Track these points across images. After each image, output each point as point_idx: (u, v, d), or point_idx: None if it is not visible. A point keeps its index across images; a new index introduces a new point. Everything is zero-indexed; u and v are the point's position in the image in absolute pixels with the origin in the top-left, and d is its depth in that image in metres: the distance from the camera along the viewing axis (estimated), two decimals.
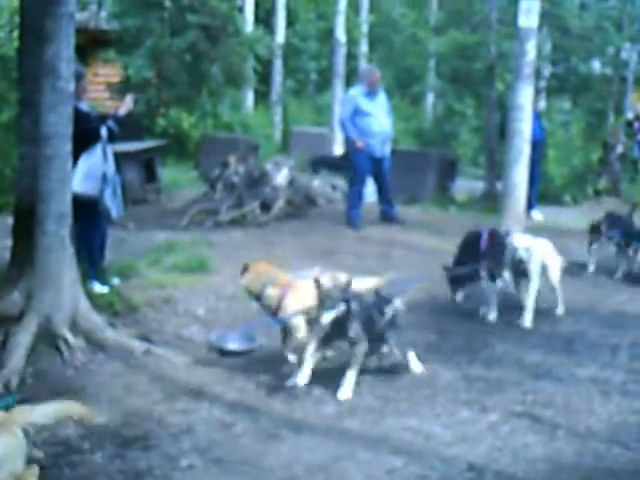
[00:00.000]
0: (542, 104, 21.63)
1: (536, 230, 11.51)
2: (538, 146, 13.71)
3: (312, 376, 6.56)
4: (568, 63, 23.46)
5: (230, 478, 5.25)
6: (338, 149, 20.92)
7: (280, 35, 25.58)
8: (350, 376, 6.50)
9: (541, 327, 8.55)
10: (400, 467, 5.38)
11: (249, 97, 25.02)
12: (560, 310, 8.94)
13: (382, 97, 13.20)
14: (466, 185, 17.27)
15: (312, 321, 6.76)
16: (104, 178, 8.66)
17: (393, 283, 7.76)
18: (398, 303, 7.03)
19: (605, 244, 10.84)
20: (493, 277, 8.65)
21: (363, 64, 25.10)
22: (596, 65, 24.97)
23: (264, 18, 26.81)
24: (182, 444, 5.64)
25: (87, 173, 8.47)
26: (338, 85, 23.67)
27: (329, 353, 6.96)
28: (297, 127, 23.16)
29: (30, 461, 4.58)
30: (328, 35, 26.44)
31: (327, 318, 6.33)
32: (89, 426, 5.65)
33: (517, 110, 11.36)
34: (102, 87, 20.45)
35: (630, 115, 21.75)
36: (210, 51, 19.78)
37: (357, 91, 13.09)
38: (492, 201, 14.74)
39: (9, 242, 7.96)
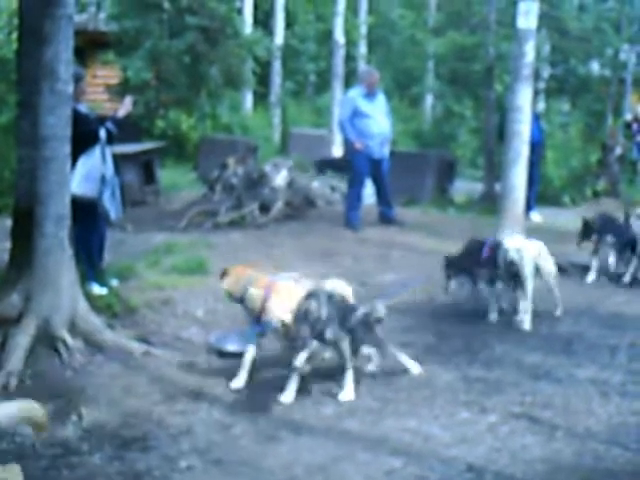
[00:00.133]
0: (541, 105, 21.66)
1: (535, 231, 11.52)
2: (537, 147, 13.70)
3: (311, 377, 6.58)
4: (567, 64, 23.44)
5: (229, 479, 5.25)
6: (338, 150, 20.92)
7: (279, 37, 25.60)
8: (348, 376, 6.51)
9: (540, 328, 8.54)
10: (399, 468, 5.39)
11: (248, 99, 25.03)
12: (558, 311, 8.93)
13: (381, 98, 13.20)
14: (465, 186, 17.27)
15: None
16: (103, 180, 8.67)
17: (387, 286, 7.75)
18: (380, 307, 6.93)
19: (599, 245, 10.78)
20: (492, 281, 8.68)
21: (362, 65, 25.13)
22: (595, 66, 24.96)
23: (263, 20, 26.84)
24: (181, 445, 5.64)
25: (86, 175, 8.47)
26: (337, 86, 23.68)
27: (327, 354, 6.96)
28: (296, 129, 23.15)
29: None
30: (327, 37, 26.46)
31: (299, 361, 6.30)
32: (88, 427, 5.67)
33: (516, 111, 11.34)
34: (101, 89, 20.48)
35: (629, 116, 21.75)
36: (209, 53, 19.78)
37: (356, 92, 13.09)
38: (491, 202, 14.73)
39: (8, 244, 7.97)
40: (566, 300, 9.11)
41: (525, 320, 8.54)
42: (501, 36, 17.29)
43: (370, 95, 12.91)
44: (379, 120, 12.91)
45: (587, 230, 10.68)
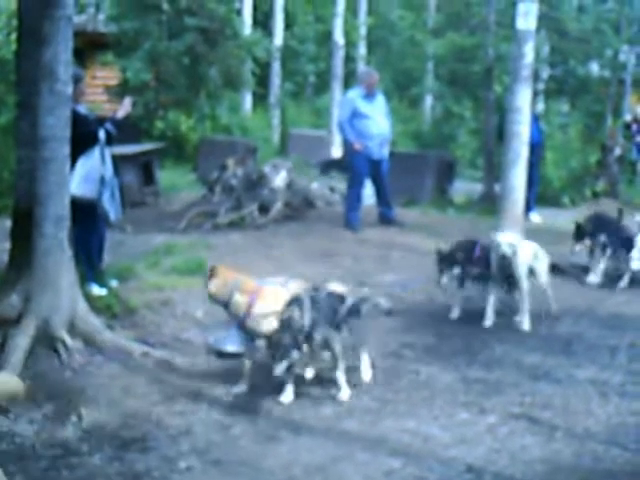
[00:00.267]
0: (540, 106, 21.64)
1: (534, 232, 11.53)
2: (536, 148, 13.71)
3: (310, 378, 6.59)
4: (566, 65, 23.41)
5: (228, 479, 5.27)
6: (337, 151, 20.92)
7: (278, 38, 25.60)
8: (341, 376, 6.51)
9: (539, 329, 8.55)
10: (398, 468, 5.39)
11: (247, 100, 25.02)
12: (554, 308, 8.89)
13: (380, 99, 13.20)
14: (464, 187, 17.27)
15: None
16: (102, 181, 8.67)
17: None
18: (383, 300, 7.00)
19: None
20: (484, 281, 8.69)
21: (361, 66, 25.11)
22: (594, 67, 24.93)
23: (262, 21, 26.84)
24: (180, 446, 5.65)
25: (85, 176, 8.47)
26: (336, 87, 23.69)
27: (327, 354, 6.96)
28: (295, 130, 23.16)
29: None
30: (326, 38, 26.48)
31: (280, 369, 6.23)
32: (87, 428, 5.67)
33: (515, 112, 11.34)
34: (100, 90, 20.47)
35: (628, 117, 21.75)
36: (208, 54, 19.77)
37: (355, 93, 13.09)
38: (490, 203, 14.73)
39: (7, 245, 7.97)
40: (565, 301, 9.12)
41: (524, 321, 8.54)
42: (500, 37, 17.28)
43: (369, 96, 12.91)
44: (378, 121, 12.91)
45: (580, 233, 10.63)
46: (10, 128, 11.63)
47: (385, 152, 13.15)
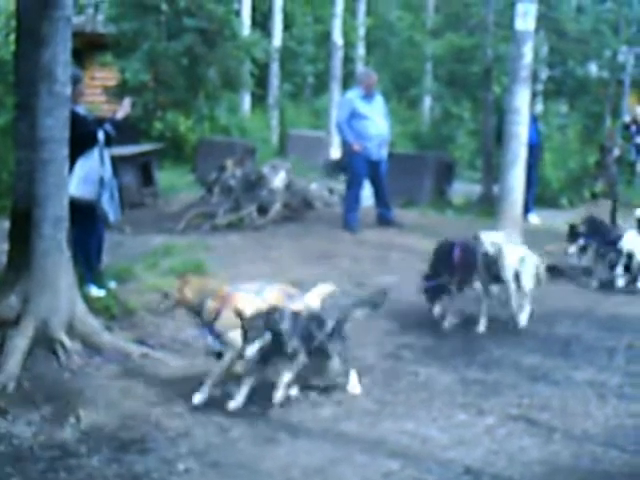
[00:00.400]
0: (539, 107, 21.65)
1: (533, 233, 11.56)
2: (535, 149, 13.73)
3: (308, 379, 6.58)
4: (565, 66, 23.46)
5: None
6: (336, 152, 20.92)
7: (277, 38, 25.58)
8: (284, 378, 6.25)
9: (538, 330, 8.55)
10: (397, 470, 5.39)
11: (246, 100, 25.00)
12: (523, 322, 8.61)
13: (379, 100, 13.20)
14: (463, 188, 17.27)
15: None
16: (101, 182, 8.67)
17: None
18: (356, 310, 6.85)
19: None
20: (469, 284, 8.66)
21: (360, 67, 25.10)
22: (593, 68, 24.97)
23: (261, 21, 26.82)
24: (179, 448, 5.64)
25: (84, 177, 8.48)
26: (335, 88, 23.68)
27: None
28: (294, 130, 23.15)
29: None
30: (325, 38, 26.46)
31: (251, 350, 6.09)
32: (86, 429, 5.67)
33: (514, 113, 11.36)
34: (99, 91, 20.43)
35: (627, 118, 21.75)
36: (207, 55, 19.77)
37: (354, 94, 13.10)
38: (489, 204, 14.74)
39: (6, 246, 7.95)
40: (564, 302, 9.13)
41: (521, 318, 8.53)
42: (499, 38, 17.29)
43: (368, 97, 12.92)
44: (377, 122, 12.92)
45: (573, 234, 10.61)
46: (9, 129, 11.61)
47: (384, 153, 13.16)
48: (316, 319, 6.57)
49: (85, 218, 8.46)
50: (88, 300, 7.77)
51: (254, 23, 25.42)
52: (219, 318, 6.52)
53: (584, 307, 9.52)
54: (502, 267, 8.46)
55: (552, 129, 19.64)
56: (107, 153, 8.87)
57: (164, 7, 19.80)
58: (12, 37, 13.66)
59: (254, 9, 25.86)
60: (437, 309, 8.70)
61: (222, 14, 19.99)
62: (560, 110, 23.41)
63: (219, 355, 7.25)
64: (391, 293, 9.36)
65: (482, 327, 8.51)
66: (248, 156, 15.48)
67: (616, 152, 18.54)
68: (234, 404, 6.26)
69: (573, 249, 10.59)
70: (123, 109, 9.05)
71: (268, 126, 24.45)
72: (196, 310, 6.64)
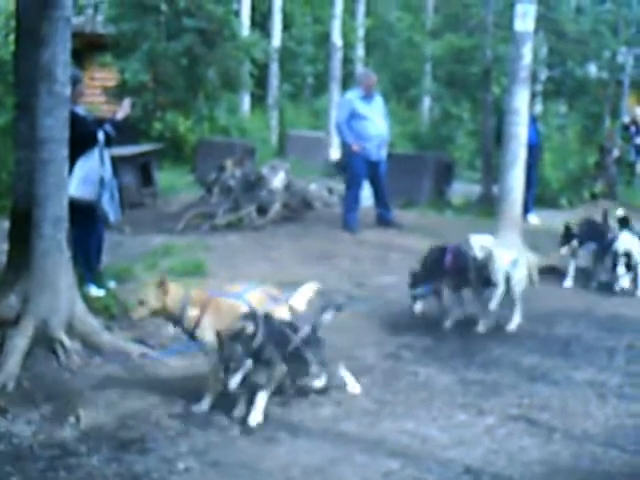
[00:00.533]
0: (538, 108, 21.64)
1: (532, 234, 11.56)
2: (534, 150, 13.72)
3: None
4: (564, 67, 23.45)
5: None
6: (335, 153, 20.92)
7: (276, 39, 25.58)
8: (260, 400, 6.07)
9: (538, 330, 8.55)
10: (397, 470, 5.39)
11: (245, 101, 25.00)
12: (511, 327, 8.62)
13: (378, 101, 13.20)
14: (463, 189, 17.26)
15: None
16: (102, 182, 8.67)
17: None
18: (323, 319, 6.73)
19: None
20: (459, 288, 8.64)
21: (359, 68, 25.09)
22: (592, 69, 24.96)
23: (260, 22, 26.82)
24: (179, 447, 5.64)
25: (84, 178, 8.48)
26: (334, 89, 23.69)
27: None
28: (293, 131, 23.16)
29: None
30: (324, 39, 26.46)
31: (234, 382, 5.93)
32: (86, 429, 5.67)
33: (513, 114, 11.36)
34: (98, 91, 20.42)
35: (626, 119, 21.75)
36: (206, 55, 19.76)
37: (353, 95, 13.10)
38: (488, 205, 14.73)
39: (5, 246, 7.95)
40: (563, 302, 9.12)
41: (514, 322, 8.52)
42: (498, 38, 17.29)
43: (367, 97, 12.92)
44: (376, 122, 12.92)
45: (568, 235, 10.56)
46: (8, 129, 11.61)
47: (383, 153, 13.16)
48: (290, 325, 6.49)
49: (85, 218, 8.46)
50: (88, 300, 7.78)
51: (253, 23, 25.42)
52: (200, 325, 6.40)
53: (584, 307, 9.52)
54: (492, 271, 8.42)
55: (551, 129, 19.64)
56: (107, 153, 8.87)
57: (164, 7, 19.79)
58: (12, 37, 13.66)
59: (253, 9, 25.86)
60: (418, 307, 8.66)
61: (221, 14, 19.99)
62: (559, 111, 23.42)
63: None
64: (390, 293, 9.53)
65: (482, 327, 8.50)
66: (247, 156, 15.49)
67: (615, 153, 18.54)
68: (255, 419, 6.03)
69: (565, 250, 10.56)
70: (123, 110, 9.06)
71: (267, 126, 24.46)
72: (176, 319, 6.49)
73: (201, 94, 20.45)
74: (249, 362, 5.97)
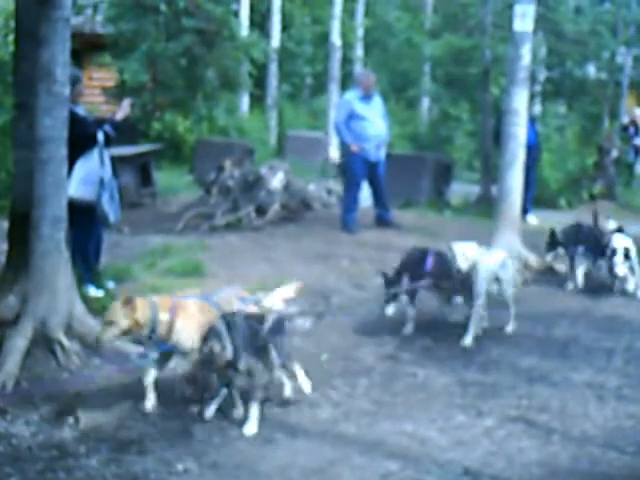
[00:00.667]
0: (537, 108, 21.68)
1: (531, 234, 11.56)
2: (533, 150, 13.73)
3: (307, 381, 6.58)
4: (563, 67, 23.52)
5: None
6: (334, 153, 20.92)
7: (275, 39, 25.57)
8: (253, 410, 5.97)
9: (536, 332, 8.55)
10: (395, 471, 5.39)
11: (244, 101, 25.00)
12: (509, 328, 8.53)
13: (377, 101, 13.21)
14: (461, 189, 17.28)
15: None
16: (101, 183, 8.66)
17: None
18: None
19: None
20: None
21: (358, 68, 25.11)
22: (591, 69, 25.02)
23: (259, 22, 26.82)
24: (178, 448, 5.64)
25: (84, 178, 8.47)
26: (333, 89, 23.70)
27: (324, 357, 6.92)
28: (292, 131, 23.16)
29: None
30: (323, 39, 26.47)
31: (209, 413, 6.00)
32: (84, 430, 5.66)
33: (512, 114, 11.36)
34: (97, 91, 20.42)
35: (625, 119, 21.78)
36: (205, 55, 19.76)
37: (352, 95, 13.10)
38: (487, 205, 14.74)
39: (4, 246, 7.95)
40: (562, 303, 9.12)
41: (511, 325, 8.50)
42: (497, 39, 17.30)
43: (366, 98, 12.92)
44: (375, 123, 12.92)
45: (552, 242, 10.45)
46: (7, 129, 11.60)
47: (382, 154, 13.16)
48: (255, 318, 6.31)
49: (84, 219, 8.45)
50: (86, 300, 7.76)
51: (252, 24, 25.42)
52: (174, 330, 6.27)
53: (582, 308, 9.52)
54: (475, 282, 8.19)
55: (550, 130, 19.68)
56: (107, 154, 8.86)
57: (163, 8, 19.77)
58: (11, 37, 13.66)
59: (252, 10, 25.86)
60: (390, 310, 8.24)
61: (221, 15, 19.98)
62: (558, 111, 23.45)
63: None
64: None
65: (468, 340, 8.15)
66: (246, 157, 15.49)
67: (614, 153, 18.54)
68: (250, 429, 5.96)
69: (550, 257, 10.49)
70: (123, 110, 9.05)
71: (266, 127, 24.45)
72: (148, 332, 6.25)
73: (200, 94, 20.45)
74: (224, 391, 6.00)
